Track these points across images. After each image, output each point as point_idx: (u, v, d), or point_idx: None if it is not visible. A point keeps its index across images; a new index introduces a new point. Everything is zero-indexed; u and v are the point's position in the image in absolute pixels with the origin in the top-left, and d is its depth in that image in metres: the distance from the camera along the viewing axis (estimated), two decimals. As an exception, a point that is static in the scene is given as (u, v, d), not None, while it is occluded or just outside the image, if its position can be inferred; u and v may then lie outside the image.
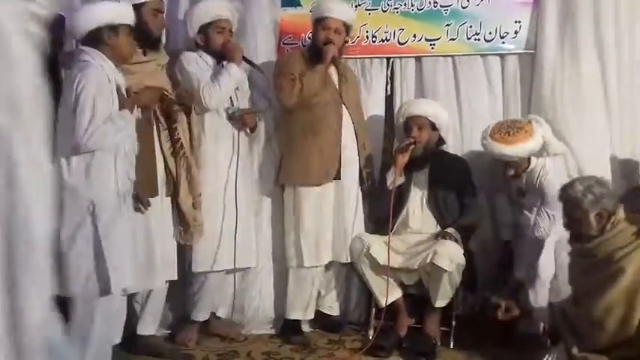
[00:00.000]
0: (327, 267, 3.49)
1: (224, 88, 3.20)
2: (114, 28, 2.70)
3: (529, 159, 3.24)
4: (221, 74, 3.21)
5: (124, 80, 2.76)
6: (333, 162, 3.35)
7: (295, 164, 3.36)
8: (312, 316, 3.49)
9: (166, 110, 3.05)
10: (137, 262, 2.83)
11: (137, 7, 2.97)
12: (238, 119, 3.31)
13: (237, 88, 3.35)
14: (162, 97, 3.02)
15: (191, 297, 3.33)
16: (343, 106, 3.39)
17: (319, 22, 3.36)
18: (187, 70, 3.21)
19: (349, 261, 3.41)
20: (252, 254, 3.43)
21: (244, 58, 3.34)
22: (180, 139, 3.06)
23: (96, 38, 2.68)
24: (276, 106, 3.53)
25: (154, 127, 3.03)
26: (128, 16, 2.77)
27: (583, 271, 2.55)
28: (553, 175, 3.19)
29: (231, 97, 3.32)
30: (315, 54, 3.35)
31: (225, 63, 3.26)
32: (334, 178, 3.36)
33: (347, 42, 3.43)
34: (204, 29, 3.30)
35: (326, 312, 3.56)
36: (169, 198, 3.11)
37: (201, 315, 3.36)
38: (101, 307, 2.65)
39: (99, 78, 2.61)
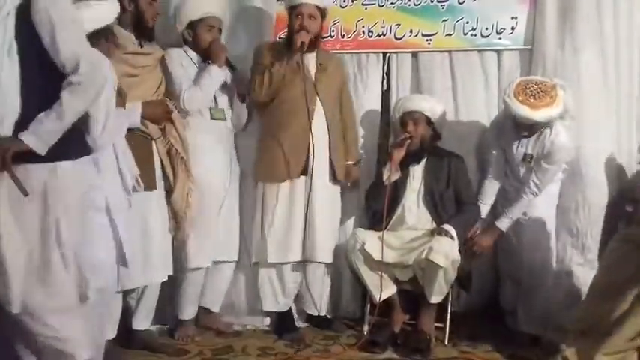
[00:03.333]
0: (307, 267, 3.43)
1: (204, 91, 3.19)
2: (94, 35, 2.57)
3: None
4: (202, 77, 3.19)
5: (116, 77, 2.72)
6: (299, 158, 3.28)
7: (262, 160, 3.35)
8: (286, 309, 3.46)
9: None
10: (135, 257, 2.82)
11: None
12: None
13: (225, 86, 3.33)
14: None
15: (176, 294, 3.33)
16: (317, 98, 3.32)
17: (292, 10, 3.30)
18: (170, 72, 3.19)
19: (324, 260, 3.38)
20: (233, 248, 3.41)
21: (227, 61, 3.30)
22: (173, 145, 3.07)
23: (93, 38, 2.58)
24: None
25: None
26: (104, 18, 2.64)
27: (621, 257, 2.54)
28: (564, 138, 3.18)
29: (215, 97, 3.30)
30: (289, 44, 3.30)
31: (208, 63, 3.24)
32: (301, 174, 3.32)
33: (322, 29, 3.40)
34: (192, 25, 3.26)
35: (311, 313, 3.54)
36: (165, 193, 3.11)
37: (186, 313, 3.35)
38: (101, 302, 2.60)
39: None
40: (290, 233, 3.33)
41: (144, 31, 3.05)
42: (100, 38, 2.61)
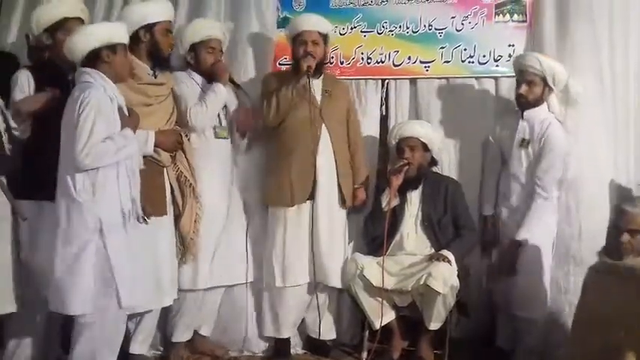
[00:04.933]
0: (313, 291, 3.42)
1: (210, 109, 3.23)
2: (112, 47, 2.75)
3: (542, 94, 3.26)
4: (207, 94, 3.24)
5: (123, 99, 2.80)
6: (306, 182, 3.32)
7: (270, 184, 3.40)
8: (289, 335, 3.45)
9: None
10: (146, 281, 2.87)
11: (149, 27, 3.06)
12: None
13: (225, 107, 3.37)
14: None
15: (171, 317, 3.32)
16: (323, 124, 3.37)
17: (295, 39, 3.39)
18: (175, 92, 3.24)
19: (334, 285, 3.38)
20: (233, 272, 3.39)
21: (230, 79, 3.36)
22: (182, 172, 3.14)
23: (95, 58, 2.72)
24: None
25: None
26: (124, 36, 2.83)
27: (610, 290, 2.51)
28: (560, 134, 3.23)
29: (219, 116, 3.34)
30: (295, 70, 3.36)
31: (213, 83, 3.28)
32: (308, 199, 3.33)
33: (326, 55, 3.47)
34: (194, 48, 3.33)
35: (314, 337, 3.52)
36: (173, 218, 3.15)
37: (181, 335, 3.34)
38: (106, 326, 2.66)
39: (100, 98, 2.64)
40: (296, 258, 3.33)
41: (160, 62, 3.13)
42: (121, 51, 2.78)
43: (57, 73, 2.97)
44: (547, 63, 3.24)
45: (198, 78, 3.34)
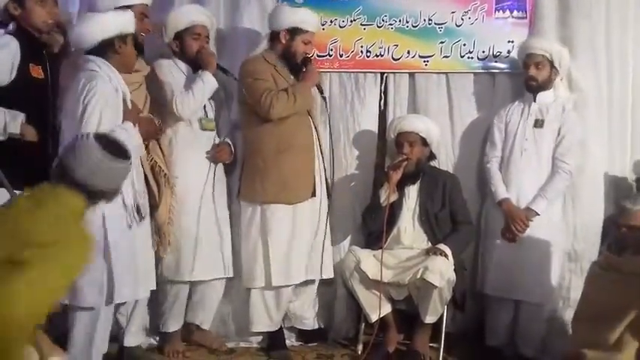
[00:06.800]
0: (307, 285, 3.44)
1: (198, 97, 3.16)
2: (123, 38, 2.71)
3: (550, 76, 3.32)
4: (195, 83, 3.17)
5: (128, 90, 2.77)
6: (309, 179, 3.29)
7: (271, 181, 3.24)
8: (277, 328, 3.41)
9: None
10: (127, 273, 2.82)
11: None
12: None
13: (211, 97, 3.31)
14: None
15: (159, 308, 3.30)
16: (310, 118, 3.35)
17: (298, 32, 3.27)
18: (161, 80, 3.17)
19: (327, 277, 3.40)
20: (220, 265, 3.33)
21: (219, 66, 3.30)
22: (157, 162, 3.09)
23: (106, 48, 2.68)
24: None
25: None
26: (132, 26, 2.78)
27: (611, 285, 2.54)
28: (575, 119, 3.33)
29: (205, 106, 3.29)
30: (293, 65, 3.31)
31: (200, 71, 3.22)
32: (311, 196, 3.30)
33: None
34: (179, 35, 3.26)
35: (301, 327, 3.53)
36: (148, 209, 3.08)
37: (167, 326, 3.32)
38: (103, 317, 2.67)
39: (106, 89, 2.60)
40: (297, 255, 3.28)
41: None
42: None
43: (40, 46, 2.87)
44: (554, 44, 3.34)
45: (184, 66, 3.27)
